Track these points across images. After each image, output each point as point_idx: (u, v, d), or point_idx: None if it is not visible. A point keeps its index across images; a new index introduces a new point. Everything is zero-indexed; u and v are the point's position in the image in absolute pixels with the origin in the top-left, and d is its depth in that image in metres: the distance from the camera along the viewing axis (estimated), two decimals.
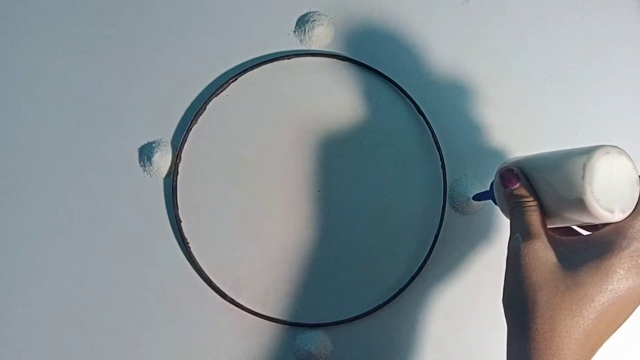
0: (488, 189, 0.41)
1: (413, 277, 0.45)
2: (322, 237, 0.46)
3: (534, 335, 0.31)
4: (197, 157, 0.47)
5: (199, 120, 0.47)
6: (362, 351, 0.45)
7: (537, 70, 0.49)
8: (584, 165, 0.30)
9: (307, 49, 0.49)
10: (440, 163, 0.46)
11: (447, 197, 0.46)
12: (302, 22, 0.48)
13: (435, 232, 0.46)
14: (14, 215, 0.46)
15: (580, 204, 0.30)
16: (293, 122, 0.47)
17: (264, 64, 0.48)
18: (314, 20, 0.48)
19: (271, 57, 0.48)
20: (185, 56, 0.48)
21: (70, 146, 0.47)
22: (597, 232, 0.32)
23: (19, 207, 0.46)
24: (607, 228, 0.31)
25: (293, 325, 0.45)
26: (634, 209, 0.31)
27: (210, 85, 0.48)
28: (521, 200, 0.34)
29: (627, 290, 0.30)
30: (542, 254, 0.32)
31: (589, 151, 0.31)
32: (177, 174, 0.46)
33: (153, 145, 0.46)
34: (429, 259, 0.45)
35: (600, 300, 0.30)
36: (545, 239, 0.32)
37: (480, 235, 0.46)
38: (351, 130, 0.47)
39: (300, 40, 0.49)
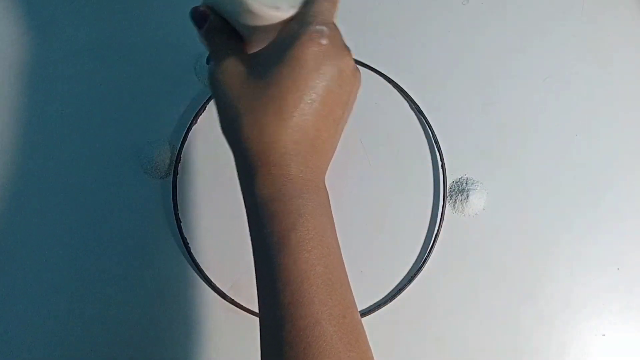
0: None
1: (413, 277, 0.45)
2: None
3: (249, 146, 0.30)
4: (197, 157, 0.47)
5: (198, 120, 0.47)
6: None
7: (537, 70, 0.49)
8: None
9: None
10: (440, 163, 0.47)
11: (447, 197, 0.46)
12: None
13: (435, 232, 0.46)
14: (13, 215, 0.46)
15: (245, 8, 0.30)
16: None
17: None
18: None
19: None
20: (186, 56, 0.48)
21: (70, 146, 0.47)
22: (278, 32, 0.31)
23: (19, 209, 0.46)
24: (285, 26, 0.31)
25: None
26: (302, 2, 0.31)
27: None
28: (211, 30, 0.33)
29: (326, 78, 0.30)
30: (233, 69, 0.31)
31: None
32: (177, 174, 0.46)
33: (153, 145, 0.46)
34: (428, 259, 0.45)
35: (300, 93, 0.29)
36: (236, 55, 0.32)
37: (480, 235, 0.46)
38: (351, 130, 0.47)
39: None
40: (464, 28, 0.49)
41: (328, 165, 0.33)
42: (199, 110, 0.47)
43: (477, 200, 0.46)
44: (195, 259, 0.45)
